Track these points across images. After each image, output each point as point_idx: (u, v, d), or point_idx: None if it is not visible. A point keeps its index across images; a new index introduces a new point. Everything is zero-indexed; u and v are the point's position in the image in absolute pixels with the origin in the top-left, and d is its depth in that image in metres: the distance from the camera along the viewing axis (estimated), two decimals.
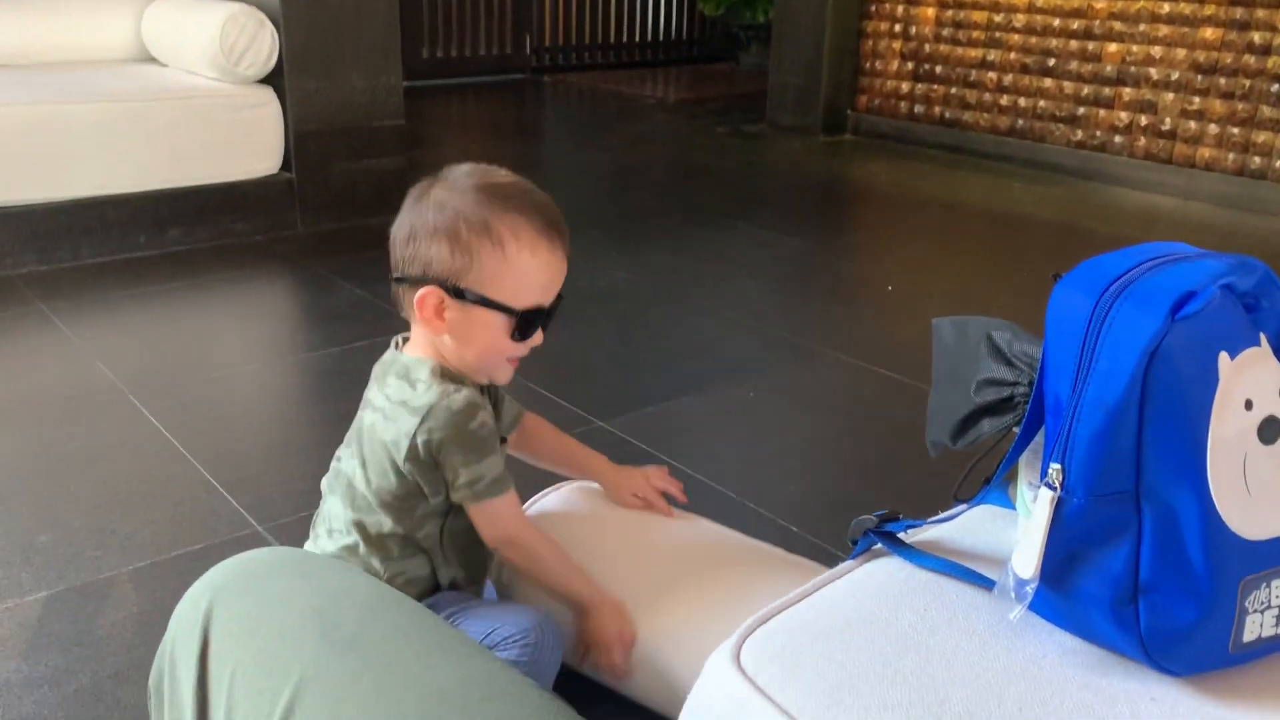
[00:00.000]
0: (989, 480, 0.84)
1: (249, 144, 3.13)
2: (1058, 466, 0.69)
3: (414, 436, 1.06)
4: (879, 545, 0.86)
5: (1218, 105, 3.84)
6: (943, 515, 0.90)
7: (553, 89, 6.39)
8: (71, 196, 2.86)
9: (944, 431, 0.86)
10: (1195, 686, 0.70)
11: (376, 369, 1.16)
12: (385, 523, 1.09)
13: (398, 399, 1.09)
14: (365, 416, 1.13)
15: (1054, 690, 0.70)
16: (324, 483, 1.18)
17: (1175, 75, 3.93)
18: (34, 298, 2.61)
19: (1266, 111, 3.73)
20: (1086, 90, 4.18)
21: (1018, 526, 0.85)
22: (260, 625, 0.58)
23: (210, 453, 1.87)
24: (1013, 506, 0.88)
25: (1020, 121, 4.41)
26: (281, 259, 3.01)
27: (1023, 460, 0.81)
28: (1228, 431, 0.68)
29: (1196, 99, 3.89)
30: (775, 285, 2.91)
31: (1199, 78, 3.86)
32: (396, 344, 1.17)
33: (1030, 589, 0.71)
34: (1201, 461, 0.67)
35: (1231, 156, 3.83)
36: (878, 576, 0.82)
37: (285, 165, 3.22)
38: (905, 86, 4.80)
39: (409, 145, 3.52)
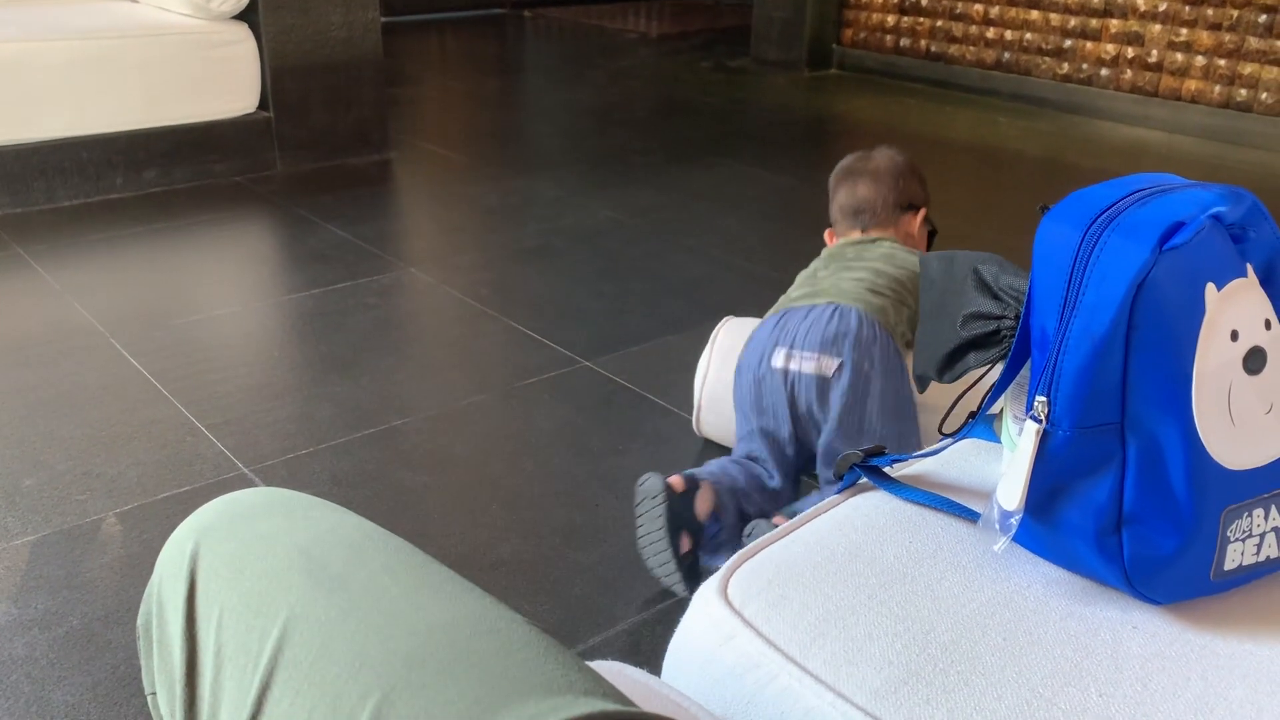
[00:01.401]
0: (974, 414, 0.84)
1: (225, 82, 3.08)
2: (1043, 399, 0.69)
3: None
4: (865, 480, 0.87)
5: (1205, 37, 3.80)
6: (928, 449, 0.90)
7: (533, 24, 6.28)
8: (43, 138, 2.81)
9: (930, 366, 0.86)
10: (1176, 614, 0.71)
11: (847, 250, 1.63)
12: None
13: (903, 249, 1.60)
14: (870, 257, 1.58)
15: (1038, 619, 0.71)
16: (815, 281, 1.58)
17: (1163, 6, 3.88)
18: (9, 240, 2.57)
19: (1253, 43, 3.70)
20: (1074, 22, 4.14)
21: (1002, 460, 0.85)
22: (247, 565, 0.58)
23: (193, 395, 1.86)
24: (997, 440, 0.89)
25: (1006, 55, 4.37)
26: (261, 200, 2.97)
27: (1008, 394, 0.81)
28: (1213, 362, 0.68)
29: (1184, 30, 3.85)
30: (759, 222, 2.89)
31: (1186, 8, 3.83)
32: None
33: (1015, 521, 0.71)
34: (1186, 392, 0.67)
35: (1218, 89, 3.81)
36: (863, 510, 0.83)
37: (262, 104, 3.17)
38: (891, 20, 4.74)
39: (389, 82, 3.46)
